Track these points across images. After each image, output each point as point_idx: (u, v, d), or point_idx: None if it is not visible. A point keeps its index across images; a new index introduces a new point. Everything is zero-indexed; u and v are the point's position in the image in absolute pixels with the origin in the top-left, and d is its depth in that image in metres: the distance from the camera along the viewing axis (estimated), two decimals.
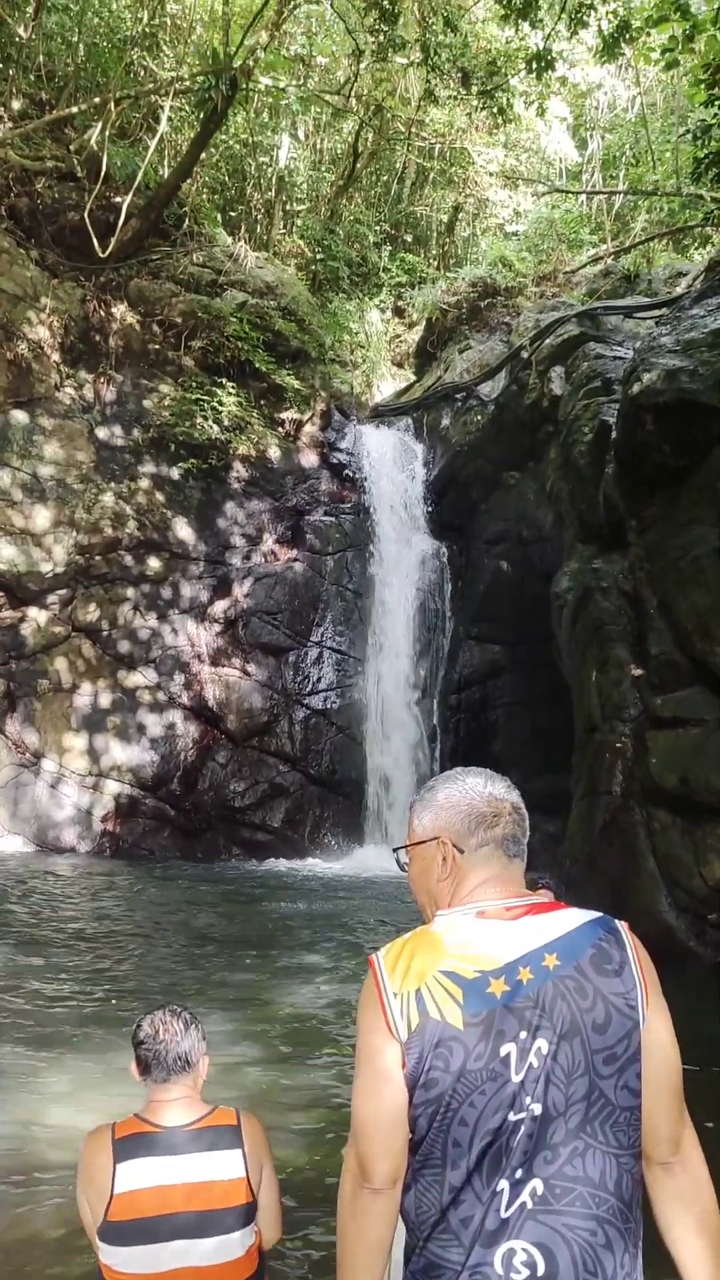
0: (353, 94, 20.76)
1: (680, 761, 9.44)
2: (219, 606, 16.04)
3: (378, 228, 24.68)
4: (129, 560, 15.48)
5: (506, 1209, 1.77)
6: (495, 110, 16.77)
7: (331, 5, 20.32)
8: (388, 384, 22.45)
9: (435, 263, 25.31)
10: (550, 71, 14.66)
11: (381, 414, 19.98)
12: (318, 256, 21.89)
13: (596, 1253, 1.78)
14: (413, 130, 22.84)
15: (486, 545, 16.74)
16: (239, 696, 15.60)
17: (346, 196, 23.84)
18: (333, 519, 17.34)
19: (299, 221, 23.16)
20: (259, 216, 22.29)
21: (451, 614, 17.14)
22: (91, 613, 15.10)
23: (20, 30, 16.94)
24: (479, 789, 2.08)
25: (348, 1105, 1.94)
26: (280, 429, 17.53)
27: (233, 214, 21.43)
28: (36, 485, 15.12)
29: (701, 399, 10.40)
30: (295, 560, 16.80)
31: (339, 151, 24.56)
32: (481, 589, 16.62)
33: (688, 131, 14.07)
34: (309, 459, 17.75)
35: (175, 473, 16.25)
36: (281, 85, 19.62)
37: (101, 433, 16.15)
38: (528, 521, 15.61)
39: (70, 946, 9.23)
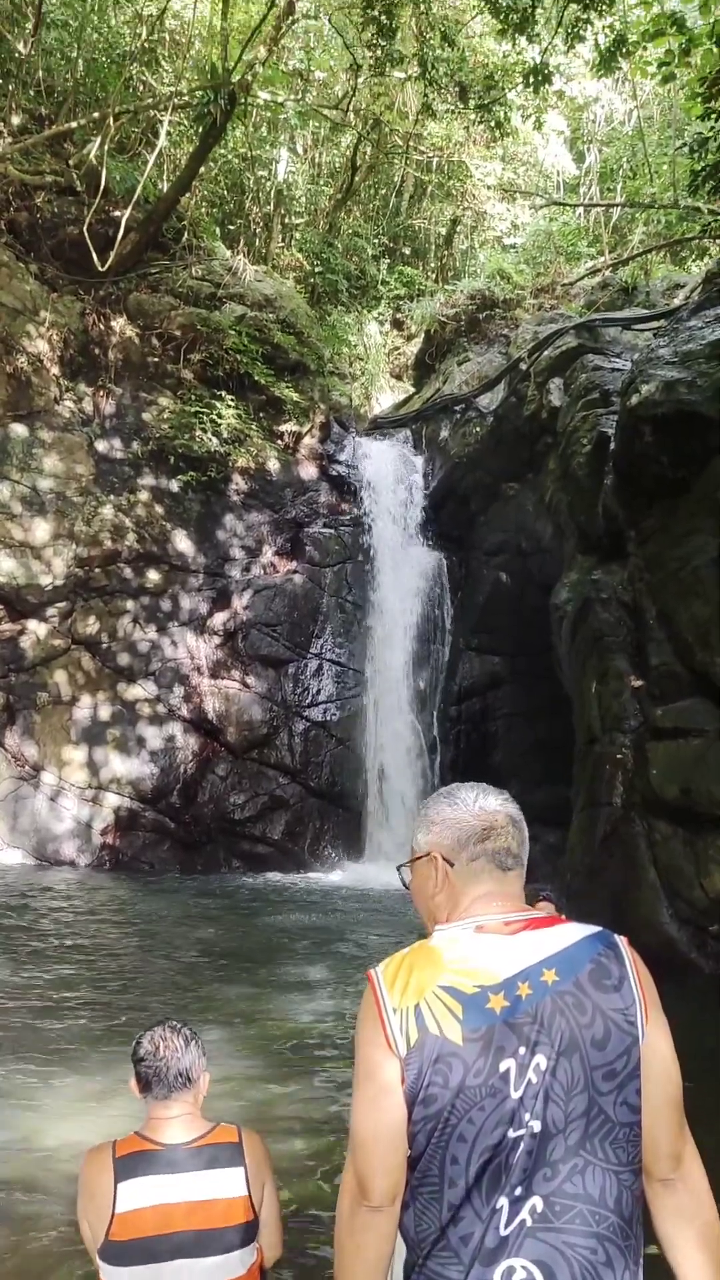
0: (351, 108, 20.85)
1: (681, 772, 9.43)
2: (218, 619, 16.04)
3: (376, 241, 24.77)
4: (128, 573, 15.48)
5: (506, 1226, 1.76)
6: (493, 124, 16.84)
7: (329, 20, 20.44)
8: (386, 396, 22.50)
9: (433, 275, 25.40)
10: (547, 85, 14.74)
11: (380, 426, 20.02)
12: (316, 269, 21.96)
13: (597, 1270, 1.77)
14: (410, 144, 22.94)
15: (486, 556, 16.74)
16: (239, 709, 15.59)
17: (345, 210, 23.93)
18: (332, 531, 17.35)
19: (297, 235, 23.24)
20: (258, 230, 22.37)
21: (451, 625, 17.13)
22: (91, 625, 15.10)
23: (20, 46, 17.03)
24: (469, 803, 2.08)
25: (348, 1121, 1.93)
26: (279, 441, 17.57)
27: (231, 227, 21.51)
28: (36, 498, 15.14)
29: (700, 410, 10.42)
30: (295, 572, 16.80)
31: (337, 165, 24.67)
32: (481, 600, 16.62)
33: (684, 144, 14.14)
34: (308, 471, 17.78)
35: (174, 485, 16.27)
36: (280, 100, 19.71)
37: (101, 445, 16.17)
38: (527, 533, 15.61)
39: (69, 960, 9.20)
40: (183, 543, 16.08)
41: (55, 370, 16.04)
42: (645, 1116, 1.86)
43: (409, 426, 19.52)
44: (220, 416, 16.58)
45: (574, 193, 25.17)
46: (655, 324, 14.61)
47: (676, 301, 15.59)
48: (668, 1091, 1.90)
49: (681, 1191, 1.92)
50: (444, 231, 26.09)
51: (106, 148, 16.42)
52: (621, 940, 1.96)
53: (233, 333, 17.19)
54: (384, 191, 26.61)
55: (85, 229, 15.94)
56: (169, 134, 18.08)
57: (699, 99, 11.41)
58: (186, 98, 17.41)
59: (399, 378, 23.42)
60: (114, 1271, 2.54)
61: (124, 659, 15.19)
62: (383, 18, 15.21)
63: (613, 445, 11.97)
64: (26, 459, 15.28)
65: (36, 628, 14.82)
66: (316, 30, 21.97)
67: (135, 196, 16.68)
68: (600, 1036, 1.84)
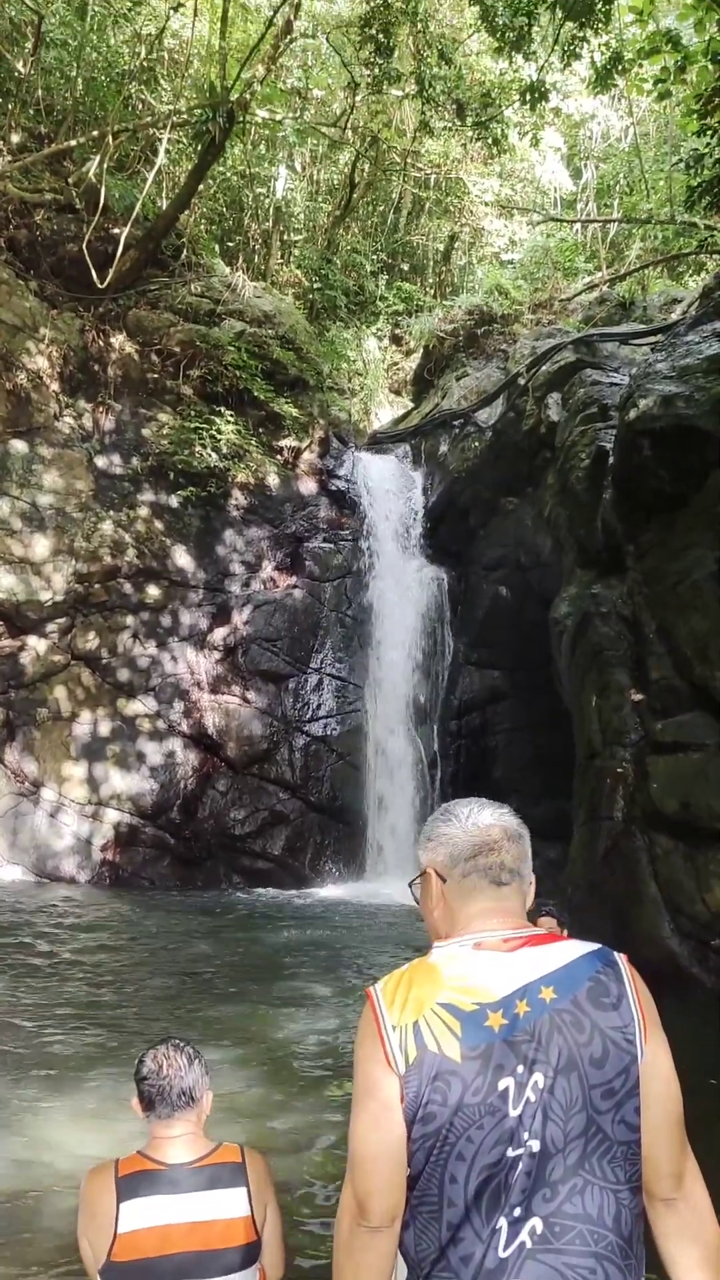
0: (349, 126, 20.98)
1: (681, 786, 9.42)
2: (218, 634, 16.05)
3: (374, 257, 24.87)
4: (128, 588, 15.49)
5: (505, 1248, 1.75)
6: (490, 141, 16.95)
7: (327, 39, 20.58)
8: (386, 411, 22.56)
9: (432, 291, 25.51)
10: (544, 103, 14.82)
11: (380, 441, 20.07)
12: (315, 285, 22.05)
13: None
14: (408, 161, 23.06)
15: (485, 571, 16.76)
16: (239, 724, 15.57)
17: (343, 226, 24.04)
18: (331, 546, 17.37)
19: (296, 251, 23.35)
20: (256, 246, 22.47)
21: (451, 640, 17.13)
22: (91, 641, 15.10)
23: (19, 65, 17.14)
24: (462, 819, 2.09)
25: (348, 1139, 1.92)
26: (279, 456, 17.60)
27: (230, 244, 21.61)
28: (35, 514, 15.16)
29: (698, 424, 10.45)
30: (294, 587, 16.81)
31: (335, 182, 24.79)
32: (480, 614, 16.63)
33: (680, 160, 14.21)
34: (308, 486, 17.81)
35: (174, 501, 16.29)
36: (278, 118, 19.83)
37: (100, 461, 16.21)
38: (526, 547, 15.63)
39: (69, 977, 9.17)
40: (182, 558, 16.10)
41: (55, 386, 16.09)
42: (645, 1135, 1.85)
43: (408, 441, 19.57)
44: (220, 432, 16.62)
45: (571, 209, 25.29)
46: (653, 339, 14.66)
47: (674, 316, 15.65)
48: (668, 1110, 1.89)
49: (684, 1211, 1.91)
50: (442, 247, 26.21)
51: (106, 165, 16.51)
52: (621, 958, 1.96)
53: (232, 349, 17.25)
54: (382, 208, 26.74)
55: (85, 246, 16.01)
56: (168, 152, 18.18)
57: (695, 115, 11.47)
58: (185, 116, 17.51)
59: (398, 393, 23.49)
60: None
61: (124, 674, 15.18)
62: (380, 36, 15.33)
63: (611, 460, 12.00)
64: (26, 475, 15.31)
65: (36, 644, 14.82)
66: (314, 49, 22.13)
67: (134, 214, 16.76)
68: (598, 1055, 1.83)
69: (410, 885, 2.19)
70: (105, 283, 16.39)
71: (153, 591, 15.69)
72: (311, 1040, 7.53)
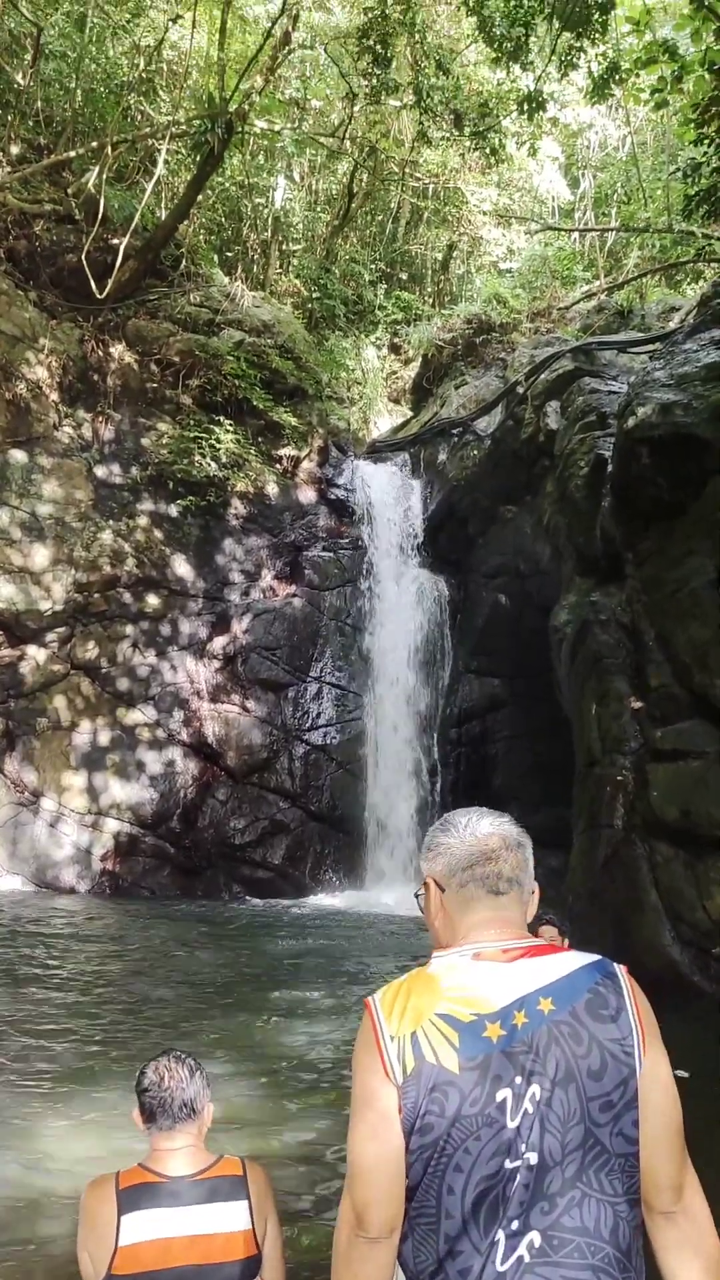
0: (347, 136, 21.05)
1: (681, 794, 9.40)
2: (218, 643, 16.05)
3: (373, 266, 24.94)
4: (128, 597, 15.50)
5: (503, 1262, 1.74)
6: (488, 151, 16.99)
7: (325, 50, 20.66)
8: (385, 420, 22.60)
9: (430, 300, 25.57)
10: (541, 112, 14.88)
11: (379, 450, 20.09)
12: (314, 295, 22.10)
13: None
14: (406, 171, 23.14)
15: (484, 579, 16.77)
16: (238, 733, 15.57)
17: (342, 236, 24.11)
18: (331, 554, 17.38)
19: (295, 261, 23.41)
20: (255, 256, 22.53)
21: (450, 648, 17.13)
22: (90, 650, 15.10)
23: (19, 77, 17.21)
24: (460, 829, 2.09)
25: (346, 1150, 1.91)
26: (278, 466, 17.63)
27: (229, 254, 21.67)
28: (35, 524, 15.17)
29: (696, 432, 10.46)
30: (294, 596, 16.82)
31: (334, 192, 24.88)
32: (480, 623, 16.63)
33: (678, 169, 14.25)
34: (307, 495, 17.83)
35: (174, 510, 16.31)
36: (277, 128, 19.89)
37: (100, 471, 16.23)
38: (525, 555, 15.64)
39: (69, 988, 9.15)
40: (182, 567, 16.11)
41: (54, 396, 16.12)
42: (644, 1149, 1.84)
43: (407, 450, 19.60)
44: (219, 441, 16.65)
45: (569, 218, 25.36)
46: (651, 347, 14.68)
47: (672, 325, 15.68)
48: (667, 1124, 1.88)
49: (683, 1224, 1.89)
50: (440, 257, 26.28)
51: (105, 176, 16.56)
52: (621, 970, 1.95)
53: (231, 358, 17.28)
54: (380, 218, 26.82)
55: (84, 257, 16.05)
56: (167, 162, 18.24)
57: (692, 125, 11.51)
58: (184, 127, 17.58)
59: (397, 402, 23.53)
60: None
61: (123, 684, 15.18)
62: (378, 47, 15.37)
63: (610, 468, 12.01)
64: (26, 485, 15.33)
65: (36, 653, 14.81)
66: (313, 60, 22.21)
67: (133, 224, 16.81)
68: (596, 1067, 1.82)
69: (416, 895, 2.19)
70: (104, 293, 16.43)
71: (152, 601, 15.70)
72: (312, 1050, 7.51)
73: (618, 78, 13.79)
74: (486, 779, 15.73)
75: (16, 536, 14.96)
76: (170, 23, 17.53)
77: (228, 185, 21.69)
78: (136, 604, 15.56)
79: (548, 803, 12.92)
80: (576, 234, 24.06)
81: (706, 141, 11.25)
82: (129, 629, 15.45)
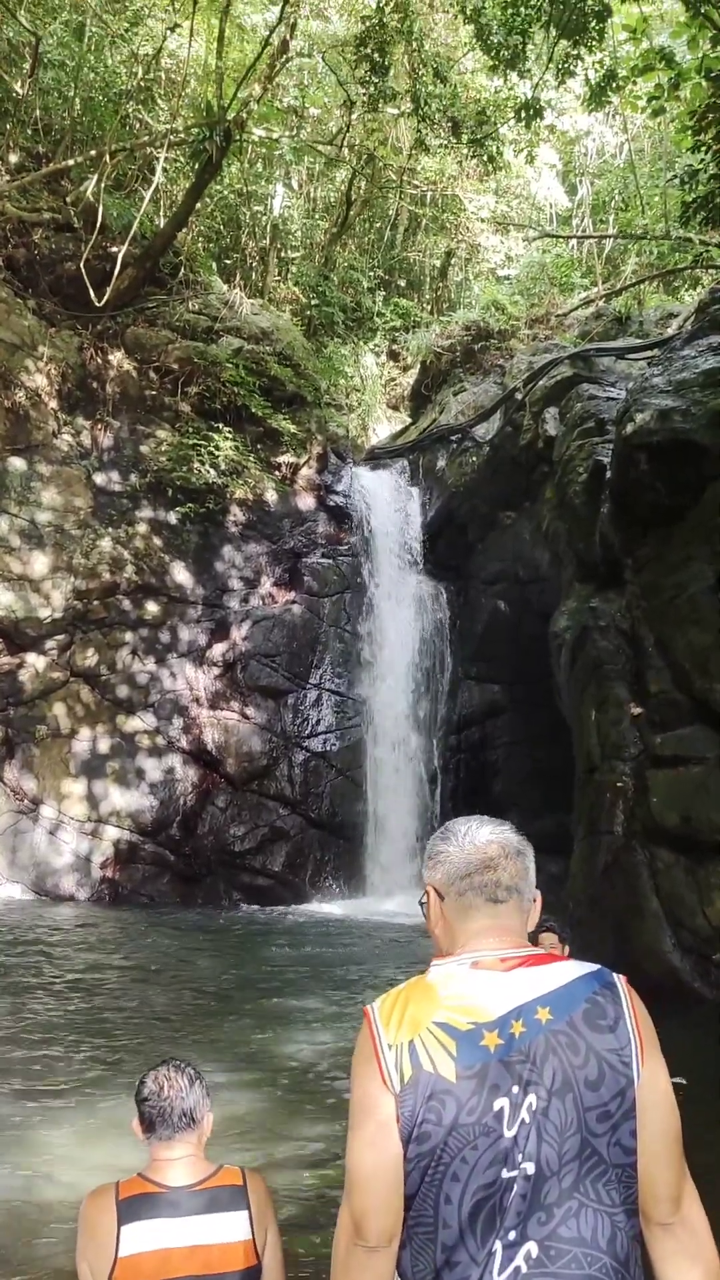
0: (345, 144, 21.10)
1: (681, 800, 9.40)
2: (217, 650, 16.04)
3: (371, 273, 24.97)
4: (127, 605, 15.50)
5: (500, 1273, 1.74)
6: (485, 158, 17.05)
7: (323, 58, 20.72)
8: (383, 427, 22.62)
9: (429, 307, 25.60)
10: (539, 120, 14.92)
11: (378, 456, 20.11)
12: (312, 302, 22.13)
13: None
14: (404, 178, 23.19)
15: (484, 585, 16.78)
16: (238, 740, 15.56)
17: (340, 243, 24.14)
18: (330, 561, 17.39)
19: (293, 268, 23.45)
20: (254, 264, 22.57)
21: (450, 654, 17.13)
22: (90, 658, 15.09)
23: (18, 86, 17.25)
24: (460, 837, 2.08)
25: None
26: (277, 472, 17.64)
27: (228, 262, 21.70)
28: (34, 531, 15.18)
29: (694, 438, 10.47)
30: (293, 602, 16.82)
31: (332, 199, 24.92)
32: (479, 629, 16.64)
33: (675, 176, 14.29)
34: (306, 502, 17.84)
35: (173, 517, 16.31)
36: (275, 136, 19.95)
37: (99, 478, 16.23)
38: (524, 561, 15.65)
39: (69, 996, 9.13)
40: (181, 574, 16.11)
41: (53, 404, 16.13)
42: (642, 1159, 1.84)
43: (406, 456, 19.61)
44: (218, 448, 16.66)
45: (567, 225, 25.42)
46: (649, 353, 14.71)
47: (670, 331, 15.71)
48: (665, 1135, 1.87)
49: (682, 1235, 1.88)
50: (439, 264, 26.31)
51: (103, 184, 16.60)
52: (620, 979, 1.94)
53: (230, 366, 17.30)
54: (379, 225, 26.86)
55: (82, 265, 16.08)
56: (165, 170, 18.27)
57: (689, 132, 11.55)
58: (182, 135, 17.62)
59: (395, 408, 23.55)
60: None
61: (123, 691, 15.18)
62: (375, 55, 15.43)
63: (609, 474, 12.02)
64: (25, 492, 15.33)
65: (35, 661, 14.81)
66: (310, 68, 22.27)
67: (132, 232, 16.84)
68: (594, 1077, 1.82)
69: (420, 903, 2.19)
70: (103, 301, 16.45)
71: (151, 608, 15.70)
72: (312, 1058, 7.50)
73: (615, 85, 13.84)
74: (486, 785, 15.72)
75: (16, 544, 14.96)
76: (168, 31, 17.58)
77: (226, 193, 21.73)
78: (136, 611, 15.56)
79: (548, 809, 12.92)
80: (574, 241, 24.12)
81: (703, 148, 11.29)
82: (128, 636, 15.45)
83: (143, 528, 16.10)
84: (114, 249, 16.81)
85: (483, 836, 2.06)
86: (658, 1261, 1.90)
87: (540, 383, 15.93)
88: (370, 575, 17.42)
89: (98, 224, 16.38)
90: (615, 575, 11.62)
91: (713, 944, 8.85)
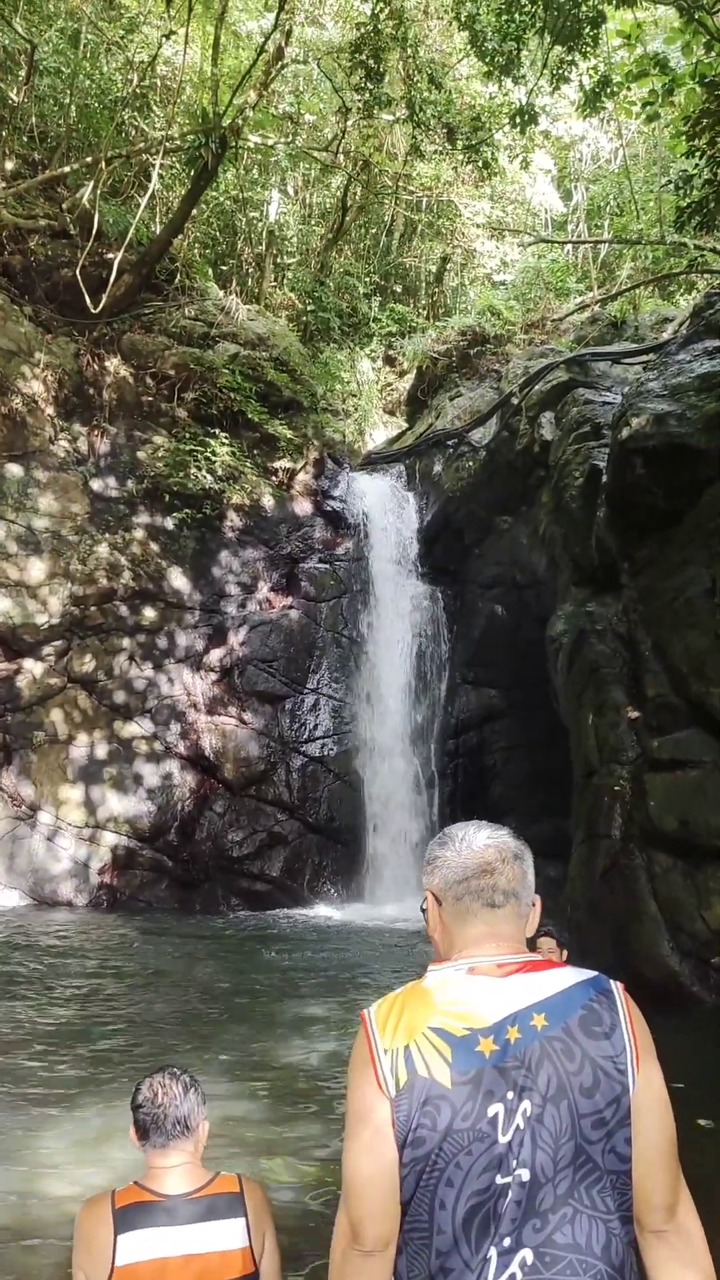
0: (340, 150, 21.14)
1: (679, 804, 9.39)
2: (215, 655, 16.04)
3: (367, 279, 25.02)
4: (124, 610, 15.50)
5: (495, 1279, 1.74)
6: (480, 164, 17.08)
7: (318, 65, 20.77)
8: (380, 432, 22.64)
9: (424, 312, 25.65)
10: (533, 126, 14.95)
11: (374, 461, 20.13)
12: (308, 308, 22.17)
13: None
14: (400, 184, 23.23)
15: (481, 590, 16.79)
16: (236, 745, 15.55)
17: (336, 249, 24.19)
18: (327, 566, 17.39)
19: (289, 274, 23.49)
20: (250, 270, 22.61)
21: (447, 659, 17.14)
22: (87, 664, 15.09)
23: (13, 93, 17.28)
24: (457, 842, 2.09)
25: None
26: (274, 478, 17.65)
27: (224, 268, 21.74)
28: (31, 537, 15.18)
29: (690, 442, 10.49)
30: (290, 608, 16.83)
31: (328, 205, 24.97)
32: (477, 633, 16.64)
33: (670, 181, 14.33)
34: (303, 507, 17.85)
35: (169, 523, 16.32)
36: (270, 143, 19.99)
37: (96, 484, 16.24)
38: (521, 565, 15.66)
39: (67, 1003, 9.11)
40: (178, 580, 16.11)
41: (50, 410, 16.14)
42: (637, 1167, 1.83)
43: (403, 461, 19.64)
44: (214, 454, 16.67)
45: (562, 230, 25.47)
46: (644, 358, 14.73)
47: (665, 335, 15.74)
48: (660, 1142, 1.86)
49: (677, 1242, 1.88)
50: (434, 269, 26.37)
51: (99, 191, 16.63)
52: (617, 986, 1.94)
53: (226, 371, 17.32)
54: (374, 231, 26.92)
55: (79, 271, 16.10)
56: (161, 177, 18.31)
57: (683, 137, 11.57)
58: (178, 142, 17.65)
59: (392, 413, 23.58)
60: None
61: (120, 697, 15.17)
62: (370, 62, 15.47)
63: (605, 478, 12.04)
64: (22, 498, 15.34)
65: (33, 667, 14.81)
66: (306, 74, 22.32)
67: (128, 239, 16.87)
68: (589, 1084, 1.82)
69: (421, 909, 2.20)
70: (99, 307, 16.47)
71: (149, 613, 15.70)
72: (311, 1063, 7.48)
73: (609, 91, 13.86)
74: (484, 790, 15.72)
75: (13, 550, 14.97)
76: (164, 39, 17.61)
77: (222, 199, 21.78)
78: (133, 617, 15.56)
79: (546, 813, 12.92)
80: (569, 246, 24.17)
81: (698, 154, 11.31)
82: (125, 642, 15.45)
83: (140, 533, 16.10)
84: (110, 255, 16.84)
85: (480, 841, 2.07)
86: (652, 1269, 1.89)
87: (536, 387, 15.95)
88: (367, 580, 17.44)
89: (94, 230, 16.40)
90: (612, 579, 11.63)
91: (711, 948, 8.85)
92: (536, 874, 2.11)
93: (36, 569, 14.99)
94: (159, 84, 19.77)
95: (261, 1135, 5.98)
